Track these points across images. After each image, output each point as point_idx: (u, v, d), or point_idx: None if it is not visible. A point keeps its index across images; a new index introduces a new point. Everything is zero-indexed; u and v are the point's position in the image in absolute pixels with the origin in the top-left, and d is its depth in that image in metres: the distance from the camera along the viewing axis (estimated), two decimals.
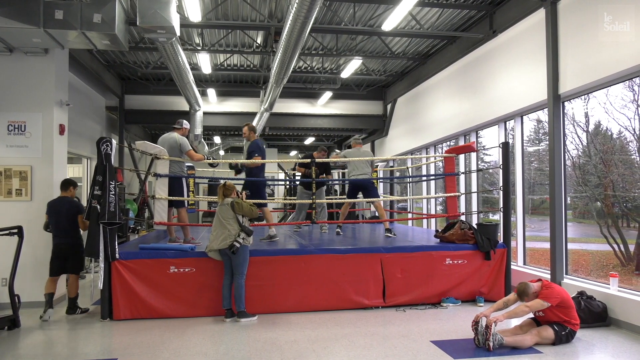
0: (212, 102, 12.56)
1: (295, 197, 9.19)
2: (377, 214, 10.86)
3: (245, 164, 5.80)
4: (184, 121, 5.82)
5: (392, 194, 10.54)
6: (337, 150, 6.76)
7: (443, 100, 9.61)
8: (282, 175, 15.72)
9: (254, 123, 11.97)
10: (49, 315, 4.97)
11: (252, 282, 5.10)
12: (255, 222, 5.96)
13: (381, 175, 11.42)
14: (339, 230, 6.76)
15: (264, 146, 5.96)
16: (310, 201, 5.97)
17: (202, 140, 13.17)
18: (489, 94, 7.75)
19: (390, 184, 10.73)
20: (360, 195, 6.53)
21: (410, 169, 9.93)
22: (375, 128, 13.98)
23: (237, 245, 4.78)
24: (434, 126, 10.02)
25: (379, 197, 6.52)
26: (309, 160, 6.37)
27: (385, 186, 12.46)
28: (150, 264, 5.03)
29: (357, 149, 6.57)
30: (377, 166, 8.79)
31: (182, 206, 5.73)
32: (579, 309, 4.57)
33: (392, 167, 10.18)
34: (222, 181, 5.09)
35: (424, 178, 10.35)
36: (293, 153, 21.93)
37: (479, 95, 8.11)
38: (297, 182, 12.25)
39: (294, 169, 14.22)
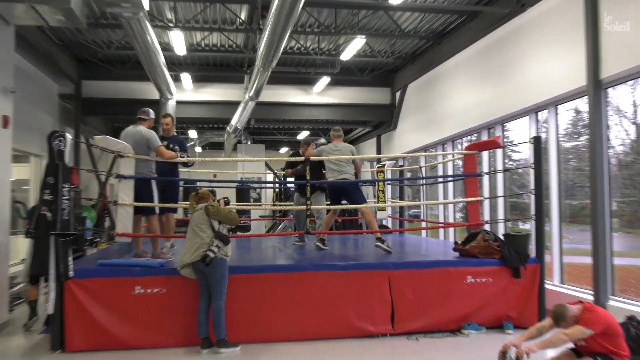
0: (186, 90, 12.52)
1: (290, 203, 9.14)
2: (383, 222, 10.87)
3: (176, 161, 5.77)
4: (150, 110, 5.76)
5: (402, 198, 10.53)
6: (323, 140, 6.69)
7: (462, 87, 9.61)
8: (270, 177, 15.72)
9: (237, 114, 11.94)
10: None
11: (233, 304, 5.04)
12: (240, 233, 5.90)
13: (389, 177, 11.39)
14: (321, 244, 6.56)
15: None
16: (304, 207, 5.90)
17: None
18: (516, 79, 7.74)
19: (399, 187, 10.71)
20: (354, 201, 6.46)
21: (423, 169, 9.90)
22: (382, 120, 13.97)
23: (211, 255, 4.72)
24: (451, 118, 10.01)
25: (365, 201, 6.45)
26: (298, 159, 6.31)
27: (393, 189, 12.43)
28: (112, 284, 4.96)
29: (336, 144, 6.47)
30: (381, 163, 8.76)
31: (152, 213, 5.67)
32: (628, 338, 4.51)
33: (401, 166, 10.16)
34: (214, 188, 5.03)
35: (440, 180, 10.35)
36: (283, 150, 21.92)
37: (504, 81, 8.10)
38: (290, 186, 12.48)
39: (284, 169, 14.22)
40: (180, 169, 6.25)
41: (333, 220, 6.68)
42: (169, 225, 5.95)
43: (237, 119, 12.07)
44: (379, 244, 6.23)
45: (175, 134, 6.28)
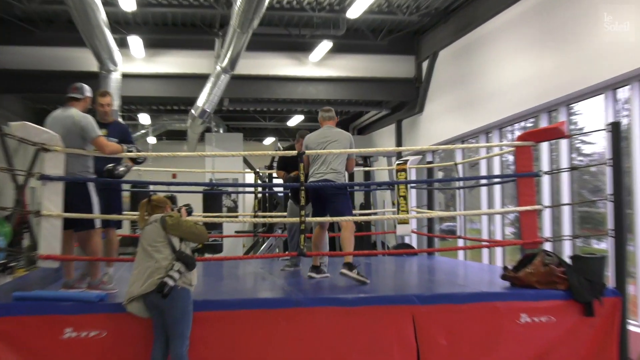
0: (136, 59, 12.54)
1: (279, 214, 9.12)
2: (405, 239, 10.88)
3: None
4: (86, 87, 5.75)
5: (430, 207, 10.51)
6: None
7: (513, 56, 9.63)
8: (250, 178, 15.70)
9: (205, 91, 11.95)
10: None
11: (200, 352, 5.02)
12: (209, 254, 5.90)
13: (413, 177, 11.38)
14: (314, 273, 6.37)
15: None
16: (297, 219, 5.90)
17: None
18: (588, 44, 7.76)
19: (427, 191, 10.71)
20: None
21: (460, 167, 9.92)
22: (403, 100, 14.01)
23: (170, 283, 4.70)
24: (498, 97, 10.04)
25: (350, 212, 6.38)
26: (291, 153, 6.28)
27: (419, 195, 12.42)
28: (32, 325, 4.94)
29: (325, 130, 6.46)
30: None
31: (89, 228, 5.68)
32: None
33: (430, 163, 10.17)
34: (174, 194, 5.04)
35: (484, 182, 10.36)
36: (268, 141, 21.95)
37: (571, 47, 8.11)
38: (278, 190, 12.41)
39: (270, 167, 14.27)
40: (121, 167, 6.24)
41: (323, 237, 6.63)
42: (111, 244, 5.94)
43: (204, 99, 12.09)
44: (345, 271, 5.95)
45: (119, 120, 6.31)
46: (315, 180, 6.20)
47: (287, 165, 7.06)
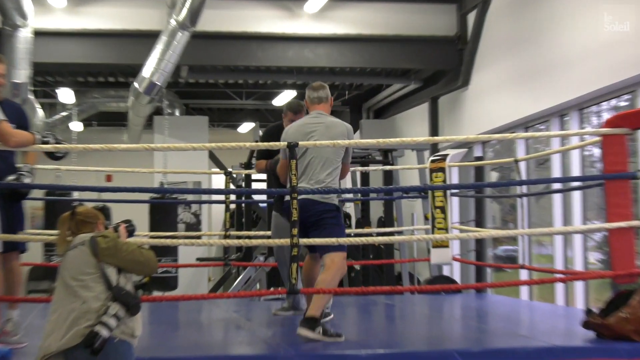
0: (55, 9, 12.56)
1: (261, 234, 9.06)
2: (443, 270, 10.82)
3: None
4: None
5: (480, 224, 10.50)
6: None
7: (599, 3, 9.60)
8: (217, 183, 15.54)
9: (154, 57, 11.92)
10: None
11: None
12: (158, 293, 5.89)
13: (455, 181, 11.35)
14: (309, 332, 6.31)
15: None
16: (286, 241, 5.90)
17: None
18: None
19: (475, 200, 10.70)
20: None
21: (523, 166, 9.90)
22: (440, 68, 14.02)
23: (104, 334, 4.69)
24: (577, 64, 10.05)
25: (343, 247, 6.24)
26: (277, 145, 6.25)
27: (463, 205, 12.39)
28: None
29: (312, 117, 6.41)
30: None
31: (10, 250, 5.75)
32: None
33: (478, 160, 10.17)
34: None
35: (557, 186, 10.33)
36: (246, 128, 21.89)
37: None
38: (261, 199, 12.26)
39: (248, 165, 14.08)
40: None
41: (316, 270, 6.60)
42: (13, 276, 5.94)
43: (153, 68, 12.07)
44: (304, 331, 5.84)
45: (12, 100, 6.25)
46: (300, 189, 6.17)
47: (271, 152, 7.02)
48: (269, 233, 7.87)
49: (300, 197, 6.04)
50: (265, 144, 6.71)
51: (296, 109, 6.98)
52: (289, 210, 6.25)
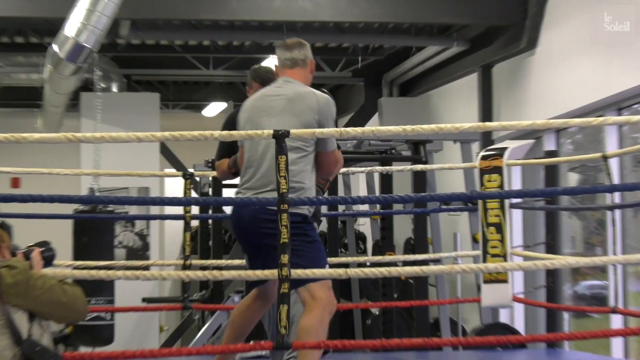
0: None
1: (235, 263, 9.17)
2: (500, 315, 10.84)
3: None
4: None
5: (552, 249, 10.54)
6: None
7: None
8: (173, 189, 15.54)
9: (83, 2, 11.96)
10: None
11: None
12: (86, 348, 5.94)
13: (517, 186, 11.41)
14: None
15: None
16: (272, 273, 5.95)
17: None
18: None
19: (546, 212, 10.74)
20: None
21: (615, 164, 9.94)
22: (495, 24, 14.08)
23: None
24: None
25: (321, 276, 6.31)
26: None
27: (528, 221, 12.45)
28: None
29: (275, 87, 6.51)
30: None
31: None
32: None
33: (550, 155, 10.20)
34: None
35: None
36: (215, 110, 22.01)
37: None
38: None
39: (211, 165, 14.09)
40: None
41: (255, 317, 6.69)
42: None
43: (80, 23, 12.11)
44: None
45: None
46: (248, 196, 6.25)
47: (235, 148, 7.01)
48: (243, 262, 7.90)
49: (255, 194, 6.14)
50: (225, 133, 6.68)
51: (265, 78, 7.04)
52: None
